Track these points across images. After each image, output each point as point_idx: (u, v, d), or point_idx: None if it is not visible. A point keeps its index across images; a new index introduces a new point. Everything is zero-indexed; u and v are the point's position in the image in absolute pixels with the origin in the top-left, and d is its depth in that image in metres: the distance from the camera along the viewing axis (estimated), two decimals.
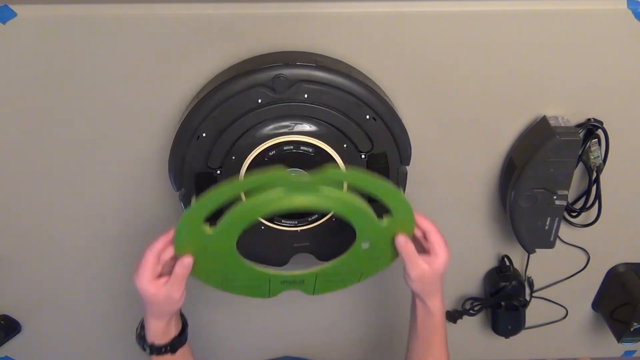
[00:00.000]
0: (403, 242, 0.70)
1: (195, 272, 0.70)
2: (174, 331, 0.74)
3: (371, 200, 0.67)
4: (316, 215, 0.75)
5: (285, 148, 0.69)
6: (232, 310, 0.98)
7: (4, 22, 0.67)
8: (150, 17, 0.68)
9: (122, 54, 0.70)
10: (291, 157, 0.70)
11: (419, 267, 0.71)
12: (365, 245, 0.70)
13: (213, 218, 0.66)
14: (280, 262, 0.79)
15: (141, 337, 0.74)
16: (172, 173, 0.71)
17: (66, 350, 1.01)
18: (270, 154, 0.70)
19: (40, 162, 0.79)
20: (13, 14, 0.67)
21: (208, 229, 0.66)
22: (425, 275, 0.71)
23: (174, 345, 0.74)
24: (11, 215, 0.84)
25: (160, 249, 0.68)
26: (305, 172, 0.69)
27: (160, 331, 0.72)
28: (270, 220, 0.76)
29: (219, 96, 0.67)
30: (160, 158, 0.79)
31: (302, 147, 0.69)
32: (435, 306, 0.75)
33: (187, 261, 0.68)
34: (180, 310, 0.77)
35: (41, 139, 0.77)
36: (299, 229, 0.76)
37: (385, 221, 0.68)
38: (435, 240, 0.71)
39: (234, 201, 0.65)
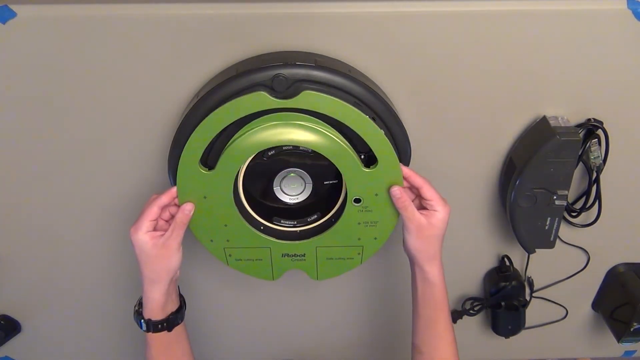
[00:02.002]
0: (398, 192, 0.69)
1: (199, 232, 0.72)
2: (170, 306, 0.74)
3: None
4: (316, 216, 0.75)
5: (284, 148, 0.69)
6: (231, 312, 0.98)
7: (4, 22, 0.67)
8: (151, 17, 0.68)
9: (122, 54, 0.70)
10: (290, 156, 0.70)
11: (417, 218, 0.70)
12: (356, 203, 0.70)
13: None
14: None
15: (138, 313, 0.74)
16: (172, 172, 0.71)
17: (66, 350, 1.01)
18: (270, 153, 0.70)
19: (40, 162, 0.79)
20: (13, 14, 0.67)
21: (205, 169, 0.68)
22: (424, 228, 0.70)
23: (170, 321, 0.73)
24: (11, 215, 0.84)
25: (164, 202, 0.68)
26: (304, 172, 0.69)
27: (156, 303, 0.72)
28: (270, 220, 0.76)
29: (219, 95, 0.67)
30: (160, 158, 0.79)
31: (301, 147, 0.69)
32: (435, 274, 0.74)
33: (187, 207, 0.69)
34: (179, 291, 0.77)
35: (41, 139, 0.77)
36: (298, 229, 0.76)
37: (371, 168, 0.68)
38: (431, 195, 0.70)
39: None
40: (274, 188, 0.74)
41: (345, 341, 1.04)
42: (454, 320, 0.98)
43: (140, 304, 0.74)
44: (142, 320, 0.73)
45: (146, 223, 0.68)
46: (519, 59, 0.73)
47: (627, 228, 0.89)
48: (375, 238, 0.73)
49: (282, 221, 0.76)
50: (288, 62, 0.66)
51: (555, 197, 0.77)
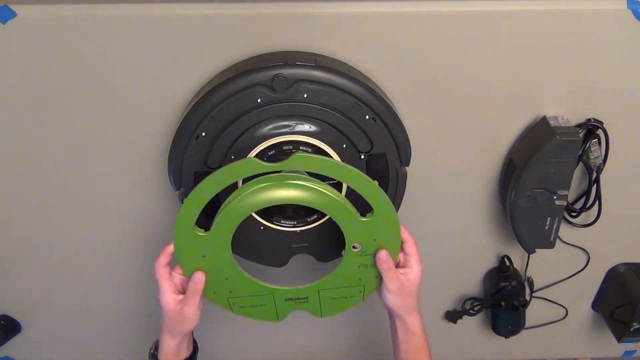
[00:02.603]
0: (384, 256, 0.72)
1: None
2: (184, 353, 0.77)
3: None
4: (315, 216, 0.75)
5: (284, 148, 0.69)
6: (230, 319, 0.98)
7: (4, 22, 0.67)
8: (151, 17, 0.68)
9: (122, 54, 0.70)
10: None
11: (399, 279, 0.73)
12: (355, 249, 0.71)
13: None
14: (280, 263, 0.80)
15: (154, 356, 0.79)
16: (172, 172, 0.71)
17: (66, 350, 1.01)
18: (270, 153, 0.70)
19: (40, 162, 0.79)
20: (13, 14, 0.67)
21: (201, 231, 0.69)
22: (404, 287, 0.74)
23: None
24: (11, 216, 0.84)
25: (165, 262, 0.71)
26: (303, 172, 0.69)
27: (171, 351, 0.76)
28: (270, 220, 0.76)
29: (219, 96, 0.67)
30: (160, 158, 0.79)
31: (301, 147, 0.69)
32: (415, 324, 0.77)
33: (196, 276, 0.71)
34: (193, 336, 0.80)
35: (41, 139, 0.77)
36: (298, 229, 0.76)
37: (367, 217, 0.69)
38: (412, 252, 0.74)
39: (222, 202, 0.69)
40: None
41: (343, 345, 1.04)
42: (454, 321, 0.99)
43: (156, 347, 0.78)
44: None
45: (164, 285, 0.72)
46: (519, 59, 0.73)
47: (627, 228, 0.89)
48: (376, 277, 0.74)
49: (282, 221, 0.76)
50: (288, 62, 0.66)
51: (555, 197, 0.77)
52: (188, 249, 0.70)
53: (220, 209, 0.68)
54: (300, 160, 0.64)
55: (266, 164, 0.64)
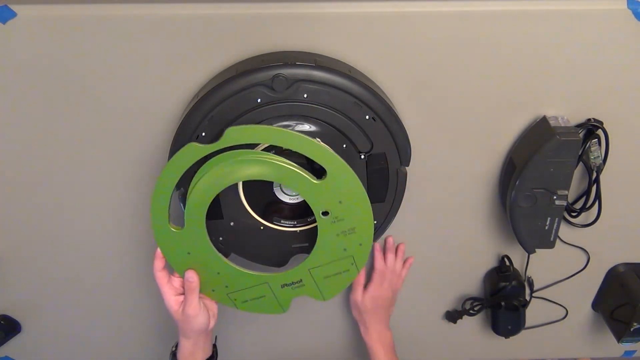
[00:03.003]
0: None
1: (201, 288, 0.74)
2: (200, 355, 0.79)
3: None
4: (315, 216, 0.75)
5: (284, 148, 0.69)
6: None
7: (4, 22, 0.67)
8: (151, 17, 0.68)
9: (122, 54, 0.70)
10: (290, 157, 0.70)
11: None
12: (325, 215, 0.70)
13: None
14: (280, 263, 0.79)
15: (173, 354, 0.81)
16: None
17: (66, 350, 1.01)
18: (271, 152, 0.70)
19: (40, 162, 0.79)
20: (13, 14, 0.67)
21: (176, 228, 0.71)
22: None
23: None
24: (11, 216, 0.84)
25: (160, 266, 0.73)
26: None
27: (187, 351, 0.78)
28: (270, 221, 0.76)
29: (219, 96, 0.67)
30: (160, 158, 0.79)
31: None
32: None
33: (189, 275, 0.73)
34: (215, 342, 0.82)
35: (41, 138, 0.77)
36: (298, 229, 0.76)
37: (322, 179, 0.67)
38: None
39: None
40: (274, 188, 0.74)
41: (340, 342, 1.04)
42: (454, 321, 0.98)
43: (176, 345, 0.81)
44: None
45: (164, 289, 0.74)
46: (519, 59, 0.73)
47: (627, 228, 0.89)
48: (360, 244, 0.73)
49: (281, 221, 0.76)
50: (288, 62, 0.66)
51: (555, 197, 0.77)
52: (171, 248, 0.72)
53: (185, 203, 0.70)
54: (234, 133, 0.64)
55: (205, 145, 0.65)
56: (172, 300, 0.74)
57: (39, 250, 0.88)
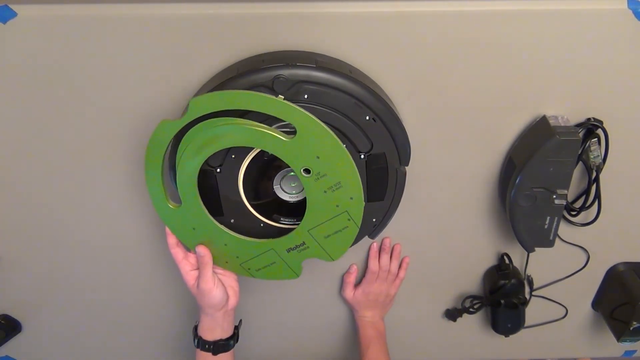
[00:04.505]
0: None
1: (213, 260, 0.76)
2: (219, 333, 0.79)
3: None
4: None
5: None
6: None
7: (4, 22, 0.67)
8: (150, 17, 0.68)
9: (122, 54, 0.70)
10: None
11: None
12: (307, 173, 0.69)
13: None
14: None
15: (195, 328, 0.81)
16: (172, 172, 0.71)
17: (66, 350, 1.01)
18: (270, 153, 0.70)
19: (40, 162, 0.79)
20: (13, 14, 0.67)
21: (174, 205, 0.73)
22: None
23: (217, 346, 0.79)
24: (11, 216, 0.84)
25: (173, 242, 0.75)
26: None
27: (206, 327, 0.79)
28: (270, 218, 0.76)
29: None
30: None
31: None
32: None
33: (199, 249, 0.74)
34: (239, 326, 0.83)
35: (41, 138, 0.77)
36: (297, 227, 0.76)
37: (293, 136, 0.67)
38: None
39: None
40: (274, 187, 0.74)
41: (340, 340, 1.04)
42: (454, 319, 0.99)
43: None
44: (195, 336, 0.81)
45: (181, 265, 0.76)
46: (519, 58, 0.73)
47: (627, 227, 0.89)
48: (351, 198, 0.71)
49: (282, 218, 0.76)
50: (289, 63, 0.66)
51: (554, 196, 0.77)
52: (176, 225, 0.74)
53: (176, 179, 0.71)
54: (198, 103, 0.65)
55: (175, 120, 0.66)
56: (189, 275, 0.76)
57: (39, 250, 0.88)
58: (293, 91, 0.66)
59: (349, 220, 0.73)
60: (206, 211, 0.72)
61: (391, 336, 0.96)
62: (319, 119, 0.67)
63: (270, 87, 0.65)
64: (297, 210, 0.76)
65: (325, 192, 0.71)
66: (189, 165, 0.69)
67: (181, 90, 0.73)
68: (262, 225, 0.76)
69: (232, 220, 0.75)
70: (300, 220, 0.75)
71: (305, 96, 0.67)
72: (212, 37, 0.69)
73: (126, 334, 1.00)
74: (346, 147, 0.70)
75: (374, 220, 0.77)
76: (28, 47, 0.69)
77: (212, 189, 0.72)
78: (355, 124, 0.69)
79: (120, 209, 0.84)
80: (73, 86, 0.72)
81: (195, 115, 0.65)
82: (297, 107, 0.65)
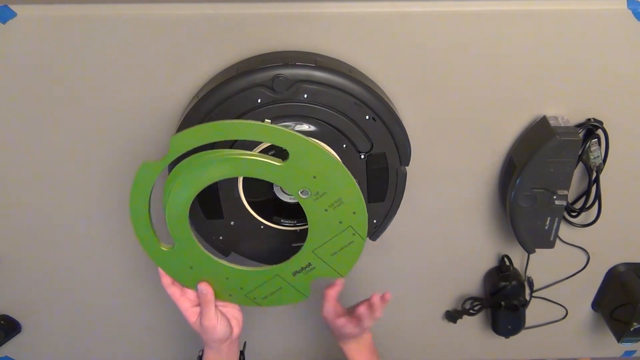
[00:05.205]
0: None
1: (216, 294, 0.73)
2: None
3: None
4: None
5: (284, 149, 0.69)
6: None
7: (4, 22, 0.67)
8: (150, 17, 0.68)
9: (122, 54, 0.70)
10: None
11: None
12: (303, 195, 0.67)
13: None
14: (280, 262, 0.79)
15: (199, 358, 0.80)
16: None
17: (66, 350, 1.01)
18: (270, 153, 0.70)
19: (39, 161, 0.79)
20: (13, 14, 0.67)
21: (166, 247, 0.70)
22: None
23: None
24: (11, 215, 0.84)
25: (167, 280, 0.72)
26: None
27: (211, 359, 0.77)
28: (270, 220, 0.76)
29: (219, 96, 0.67)
30: (160, 158, 0.78)
31: None
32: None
33: (202, 287, 0.72)
34: (243, 350, 0.81)
35: (41, 138, 0.77)
36: (298, 228, 0.76)
37: (286, 160, 0.64)
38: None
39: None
40: (274, 188, 0.74)
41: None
42: (454, 320, 0.99)
43: (202, 351, 0.79)
44: None
45: (179, 303, 0.73)
46: (519, 59, 0.73)
47: (627, 228, 0.89)
48: (354, 212, 0.69)
49: (282, 220, 0.76)
50: (288, 63, 0.66)
51: (555, 197, 0.77)
52: (172, 267, 0.71)
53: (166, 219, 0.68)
54: (178, 140, 0.61)
55: (157, 161, 0.63)
56: (190, 312, 0.73)
57: (39, 250, 0.88)
58: (292, 91, 0.66)
59: (354, 234, 0.71)
60: (202, 248, 0.70)
61: (391, 337, 0.97)
62: (319, 119, 0.68)
63: (270, 87, 0.65)
64: (297, 211, 0.75)
65: (326, 210, 0.68)
66: (178, 205, 0.66)
67: (181, 90, 0.73)
68: (262, 227, 0.76)
69: (231, 223, 0.75)
70: (301, 221, 0.75)
71: (305, 96, 0.67)
72: (212, 37, 0.69)
73: (126, 334, 1.00)
74: (346, 147, 0.70)
75: (374, 221, 0.77)
76: (28, 47, 0.69)
77: (212, 191, 0.72)
78: (355, 123, 0.69)
79: (121, 210, 0.84)
80: (73, 86, 0.73)
81: (177, 154, 0.62)
82: (287, 130, 0.62)
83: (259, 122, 0.61)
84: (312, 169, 0.65)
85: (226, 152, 0.64)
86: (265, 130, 0.62)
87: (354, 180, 0.66)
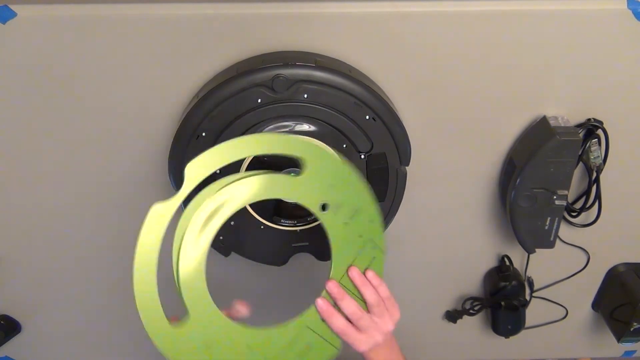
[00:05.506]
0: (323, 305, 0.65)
1: None
2: None
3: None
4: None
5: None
6: None
7: (4, 22, 0.67)
8: (150, 17, 0.68)
9: (122, 54, 0.70)
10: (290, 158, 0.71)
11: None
12: (324, 210, 0.63)
13: None
14: (280, 262, 0.80)
15: None
16: (172, 173, 0.71)
17: (66, 350, 1.01)
18: (269, 156, 0.70)
19: (39, 162, 0.79)
20: (13, 14, 0.67)
21: (177, 324, 0.60)
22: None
23: None
24: (11, 215, 0.84)
25: None
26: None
27: None
28: (270, 220, 0.76)
29: (219, 96, 0.67)
30: (160, 158, 0.79)
31: None
32: None
33: None
34: None
35: (40, 138, 0.77)
36: (298, 229, 0.76)
37: (301, 173, 0.61)
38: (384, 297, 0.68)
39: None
40: None
41: None
42: (454, 320, 0.98)
43: None
44: None
45: None
46: (519, 59, 0.73)
47: (627, 228, 0.89)
48: (370, 220, 0.64)
49: (282, 220, 0.76)
50: (288, 63, 0.66)
51: (555, 197, 0.77)
52: (181, 348, 0.59)
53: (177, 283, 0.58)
54: (195, 167, 0.56)
55: (169, 200, 0.58)
56: None
57: (39, 250, 0.88)
58: (292, 91, 0.66)
59: (373, 248, 0.66)
60: (224, 316, 0.59)
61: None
62: (319, 119, 0.68)
63: (270, 87, 0.65)
64: (297, 212, 0.76)
65: (346, 223, 0.63)
66: (194, 253, 0.57)
67: (181, 90, 0.73)
68: (262, 227, 0.76)
69: (232, 223, 0.75)
70: (300, 221, 0.75)
71: (305, 96, 0.67)
72: (212, 37, 0.69)
73: (126, 334, 1.00)
74: (346, 147, 0.70)
75: None
76: (28, 47, 0.69)
77: None
78: (355, 123, 0.69)
79: (121, 210, 0.84)
80: (73, 86, 0.73)
81: (195, 182, 0.55)
82: (300, 137, 0.60)
83: (274, 133, 0.59)
84: (329, 177, 0.62)
85: (239, 176, 0.60)
86: (280, 141, 0.59)
87: (366, 184, 0.64)
